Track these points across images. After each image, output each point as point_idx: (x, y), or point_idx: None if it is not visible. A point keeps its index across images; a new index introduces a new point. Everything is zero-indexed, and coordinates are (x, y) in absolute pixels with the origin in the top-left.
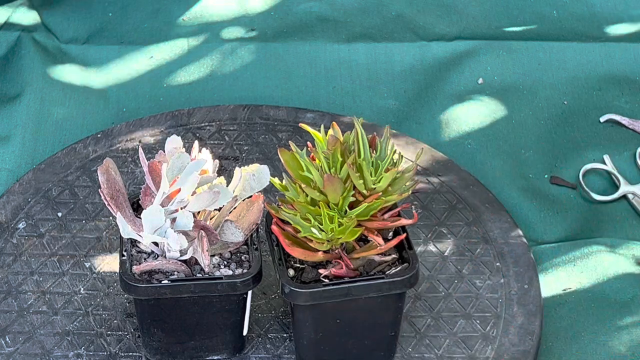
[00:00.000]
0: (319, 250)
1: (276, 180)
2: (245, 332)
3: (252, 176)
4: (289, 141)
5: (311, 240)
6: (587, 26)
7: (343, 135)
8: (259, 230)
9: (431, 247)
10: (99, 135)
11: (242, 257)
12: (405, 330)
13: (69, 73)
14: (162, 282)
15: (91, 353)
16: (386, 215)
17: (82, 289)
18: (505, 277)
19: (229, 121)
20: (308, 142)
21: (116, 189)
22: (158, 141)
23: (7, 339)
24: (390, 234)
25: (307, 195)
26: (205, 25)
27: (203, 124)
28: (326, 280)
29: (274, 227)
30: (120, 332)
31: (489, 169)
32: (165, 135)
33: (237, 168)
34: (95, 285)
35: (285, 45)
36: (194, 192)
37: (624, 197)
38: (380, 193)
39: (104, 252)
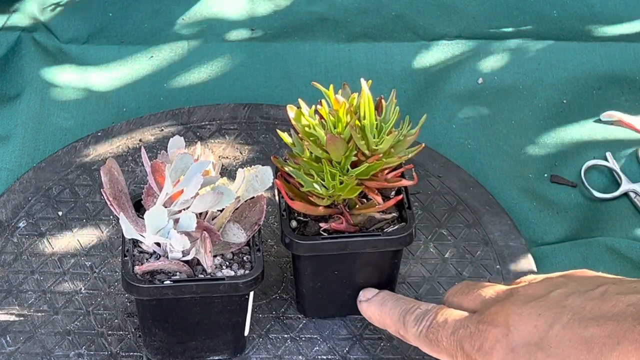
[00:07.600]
0: (319, 205)
1: (285, 135)
2: (246, 333)
3: (255, 177)
4: (299, 99)
5: (312, 195)
6: (587, 26)
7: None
8: (261, 230)
9: (431, 249)
10: (99, 134)
11: (244, 258)
12: None
13: (69, 73)
14: (165, 282)
15: (92, 353)
16: (389, 175)
17: (82, 288)
18: (506, 279)
19: (229, 120)
20: (321, 100)
21: (119, 189)
22: (159, 140)
23: (8, 338)
24: (393, 193)
25: (311, 153)
26: (205, 25)
27: (203, 123)
28: (325, 234)
29: (277, 181)
30: (121, 332)
31: (488, 169)
32: (166, 133)
33: (239, 169)
34: (96, 285)
35: (285, 45)
36: (197, 193)
37: (626, 195)
38: (381, 155)
39: (105, 251)
